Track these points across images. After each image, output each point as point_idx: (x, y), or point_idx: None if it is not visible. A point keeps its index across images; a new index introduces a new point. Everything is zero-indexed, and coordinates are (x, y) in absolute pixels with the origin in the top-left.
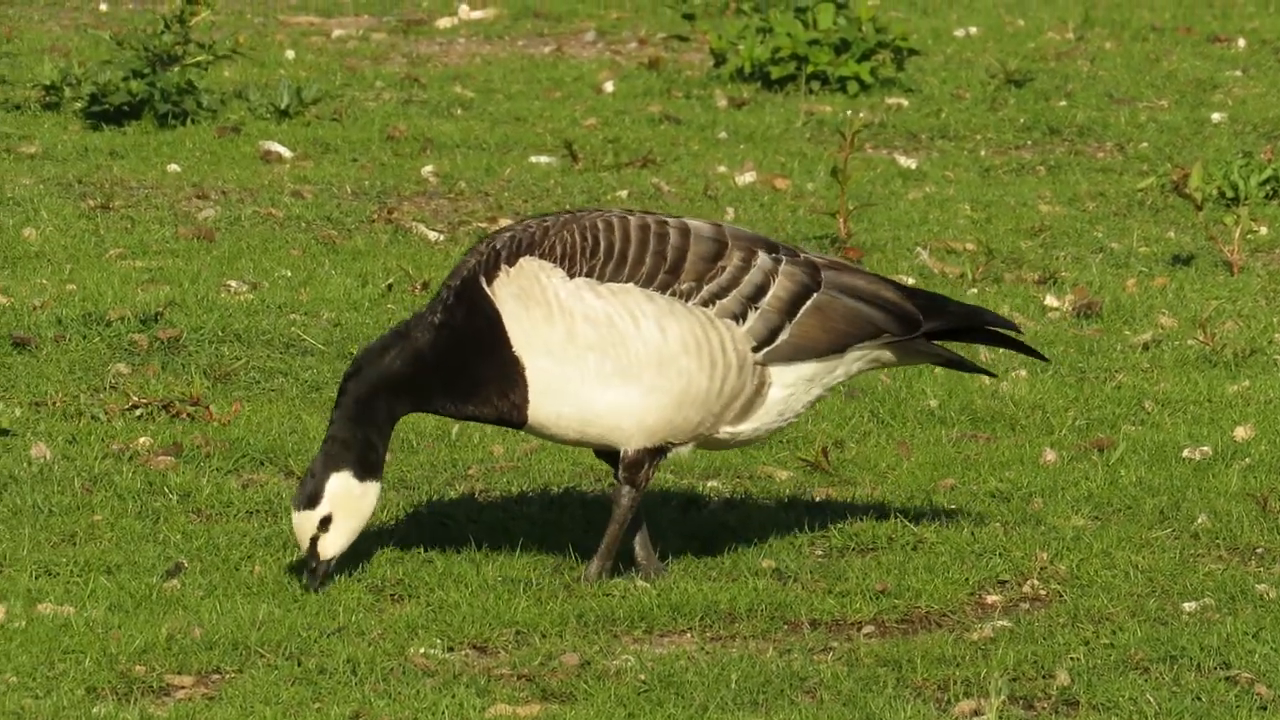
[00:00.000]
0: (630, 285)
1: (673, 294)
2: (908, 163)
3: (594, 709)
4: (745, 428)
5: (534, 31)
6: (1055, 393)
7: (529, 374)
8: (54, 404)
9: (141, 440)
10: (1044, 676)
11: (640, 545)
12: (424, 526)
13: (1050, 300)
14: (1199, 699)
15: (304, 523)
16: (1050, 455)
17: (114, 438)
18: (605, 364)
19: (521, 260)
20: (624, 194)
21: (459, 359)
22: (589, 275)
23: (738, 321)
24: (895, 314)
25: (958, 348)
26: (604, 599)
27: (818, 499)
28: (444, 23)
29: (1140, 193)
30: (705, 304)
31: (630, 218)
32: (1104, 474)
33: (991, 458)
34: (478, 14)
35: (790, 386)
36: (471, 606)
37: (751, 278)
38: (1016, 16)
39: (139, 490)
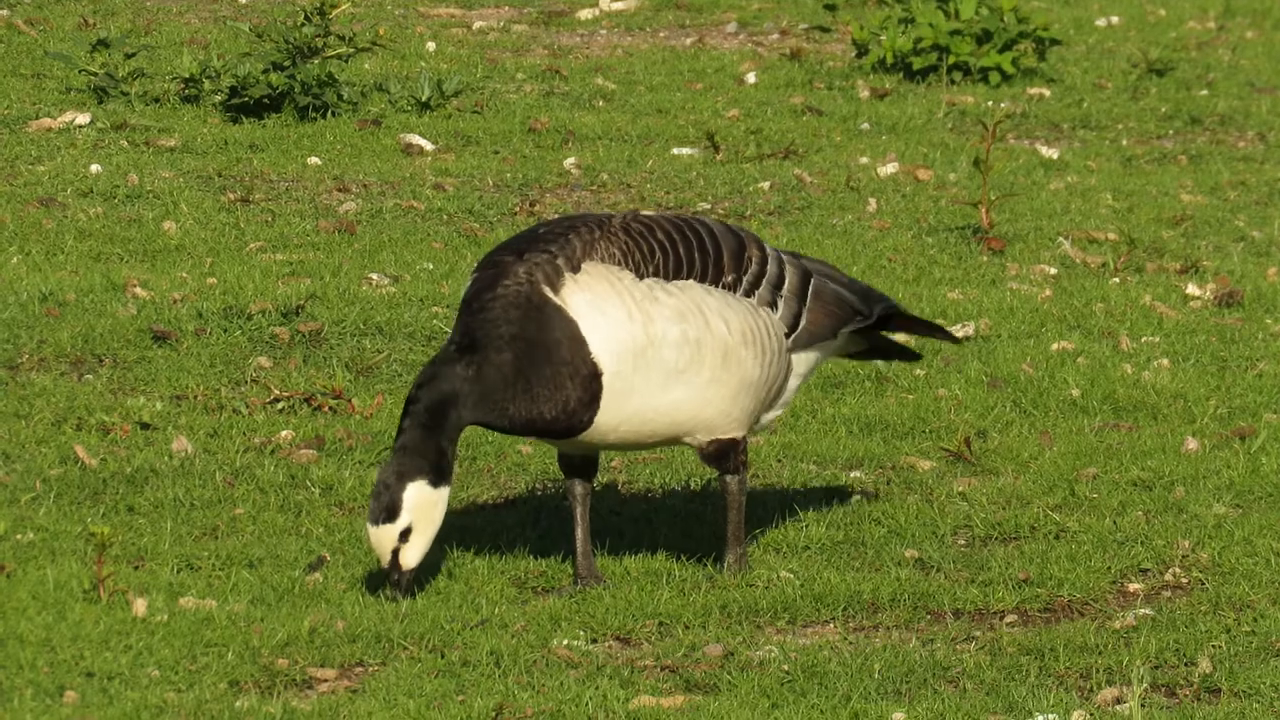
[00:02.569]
0: (691, 282)
1: (724, 287)
2: (1050, 153)
3: (737, 700)
4: (771, 416)
5: (675, 23)
6: (1197, 381)
7: (606, 378)
8: (195, 398)
9: (283, 434)
10: (1186, 664)
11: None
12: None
13: (1192, 289)
14: None
15: (385, 536)
16: (1192, 444)
17: (255, 431)
18: (681, 360)
19: (586, 266)
20: (766, 185)
21: (536, 370)
22: (655, 275)
23: (772, 309)
24: (858, 293)
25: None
26: (747, 590)
27: (960, 489)
28: (585, 14)
29: None
30: (746, 294)
31: (656, 216)
32: (1245, 462)
33: (1133, 446)
34: (619, 5)
35: (800, 376)
36: (615, 598)
37: (771, 268)
38: (1158, 6)
39: (281, 484)
